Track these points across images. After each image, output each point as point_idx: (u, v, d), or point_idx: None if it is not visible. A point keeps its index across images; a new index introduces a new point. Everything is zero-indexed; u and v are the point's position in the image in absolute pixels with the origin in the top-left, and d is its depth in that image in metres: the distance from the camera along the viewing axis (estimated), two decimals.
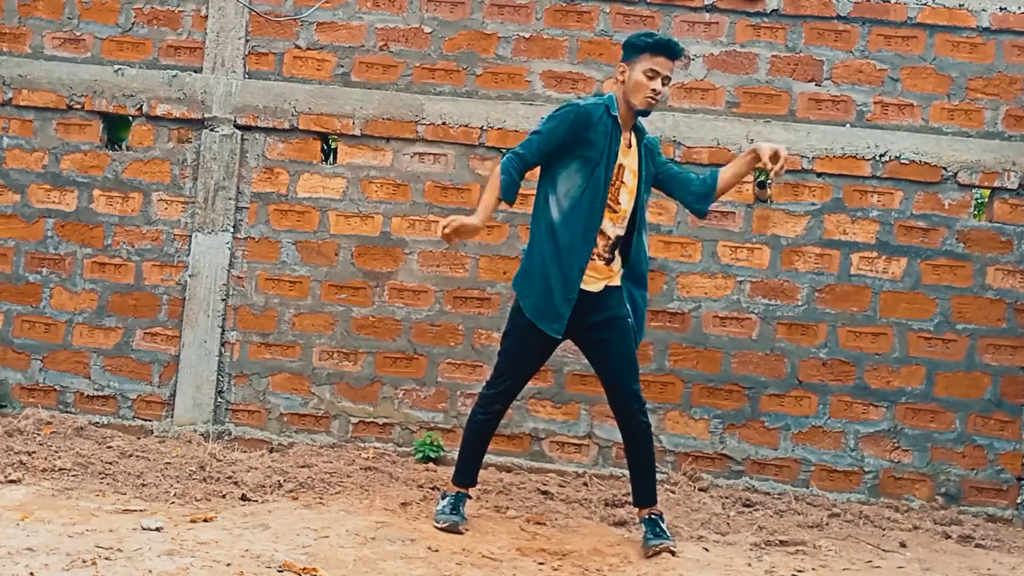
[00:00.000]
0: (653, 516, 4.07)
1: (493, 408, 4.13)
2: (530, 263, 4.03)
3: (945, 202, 5.16)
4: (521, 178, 3.96)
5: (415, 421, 5.23)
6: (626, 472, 5.06)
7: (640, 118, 4.09)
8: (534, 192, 4.16)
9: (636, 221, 4.05)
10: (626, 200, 4.03)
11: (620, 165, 4.01)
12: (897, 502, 5.04)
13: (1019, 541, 4.66)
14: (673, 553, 3.94)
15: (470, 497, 4.27)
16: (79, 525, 3.70)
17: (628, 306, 4.04)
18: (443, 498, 4.21)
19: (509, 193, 3.94)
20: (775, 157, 3.92)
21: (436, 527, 4.06)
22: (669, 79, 3.99)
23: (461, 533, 4.03)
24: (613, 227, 4.02)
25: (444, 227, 3.87)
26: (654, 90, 3.94)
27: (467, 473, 4.22)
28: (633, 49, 3.99)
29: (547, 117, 4.00)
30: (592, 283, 4.01)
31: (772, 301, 5.18)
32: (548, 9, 5.25)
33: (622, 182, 4.02)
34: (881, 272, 5.17)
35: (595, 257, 4.00)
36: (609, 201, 4.00)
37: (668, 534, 4.03)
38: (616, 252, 4.05)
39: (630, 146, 4.06)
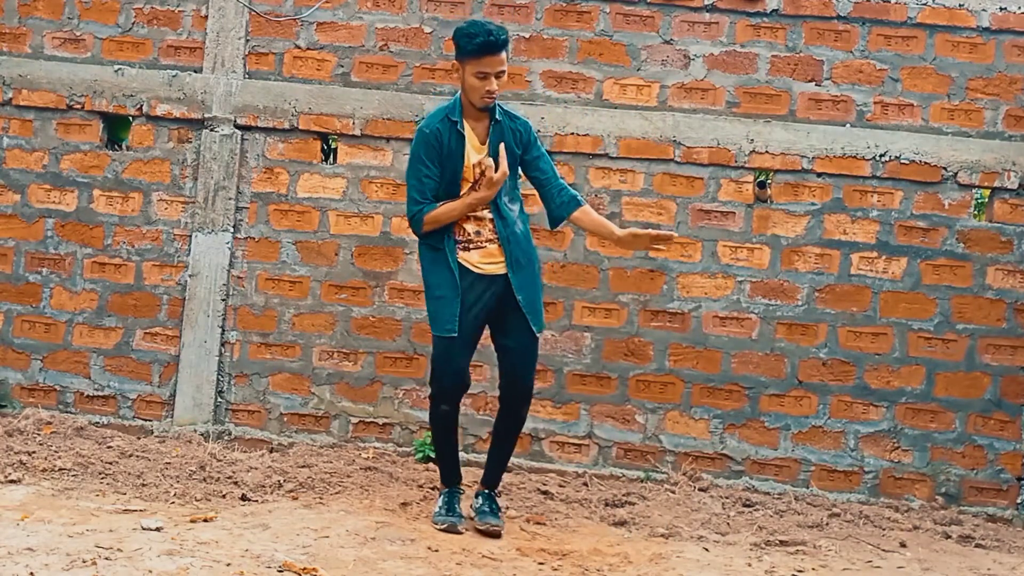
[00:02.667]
0: (493, 494, 4.24)
1: (443, 404, 4.16)
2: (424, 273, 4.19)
3: (945, 202, 5.16)
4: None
5: (415, 421, 5.22)
6: (626, 472, 5.10)
7: (504, 109, 4.16)
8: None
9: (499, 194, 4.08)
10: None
11: (475, 163, 4.08)
12: (897, 502, 5.04)
13: (1019, 541, 4.66)
14: (499, 536, 4.04)
15: (462, 492, 4.28)
16: (79, 525, 3.71)
17: (519, 293, 4.11)
18: (439, 499, 4.23)
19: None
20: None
21: (435, 528, 4.06)
22: (503, 71, 4.01)
23: (460, 533, 4.04)
24: (485, 210, 4.09)
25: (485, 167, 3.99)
26: (488, 90, 3.99)
27: (448, 471, 4.25)
28: (459, 51, 4.02)
29: (409, 159, 4.12)
30: (492, 268, 4.09)
31: (772, 301, 5.18)
32: (548, 9, 5.25)
33: (480, 175, 4.07)
34: (881, 272, 5.17)
35: (486, 244, 4.08)
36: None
37: (500, 516, 4.16)
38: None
39: (484, 142, 4.09)
